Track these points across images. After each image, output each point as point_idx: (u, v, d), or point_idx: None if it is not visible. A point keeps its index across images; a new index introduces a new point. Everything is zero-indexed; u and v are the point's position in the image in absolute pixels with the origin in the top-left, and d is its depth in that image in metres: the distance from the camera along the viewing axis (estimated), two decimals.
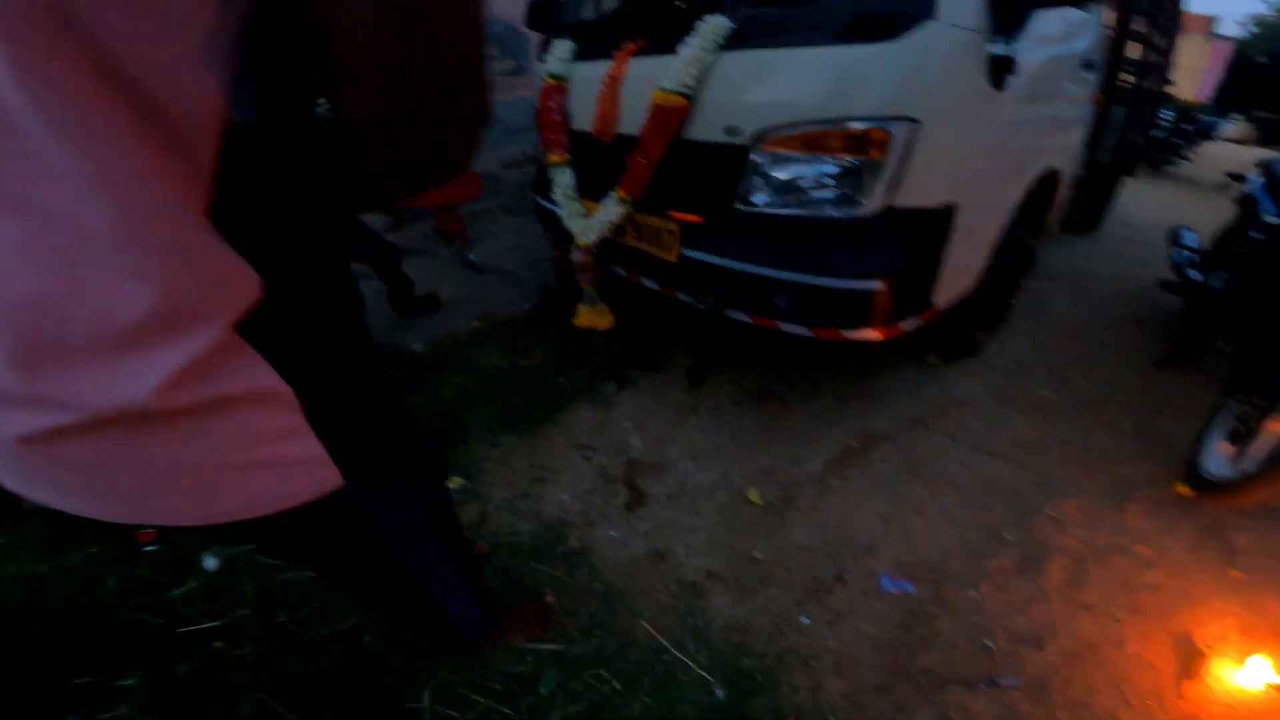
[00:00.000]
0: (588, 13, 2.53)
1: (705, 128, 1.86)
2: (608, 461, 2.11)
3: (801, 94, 1.70)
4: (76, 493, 0.60)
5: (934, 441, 2.25)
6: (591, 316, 2.37)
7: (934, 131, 1.66)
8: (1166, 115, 7.80)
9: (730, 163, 1.83)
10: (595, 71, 2.14)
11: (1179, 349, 2.90)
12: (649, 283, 2.22)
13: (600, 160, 2.15)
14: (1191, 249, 3.30)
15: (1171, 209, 6.26)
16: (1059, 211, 2.96)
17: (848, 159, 1.68)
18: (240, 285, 0.55)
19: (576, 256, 2.24)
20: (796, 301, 1.83)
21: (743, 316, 1.96)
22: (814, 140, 1.69)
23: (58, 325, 0.48)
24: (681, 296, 2.07)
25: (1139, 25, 3.45)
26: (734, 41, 1.81)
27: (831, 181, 1.72)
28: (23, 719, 1.32)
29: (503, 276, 3.44)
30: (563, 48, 2.32)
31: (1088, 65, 2.66)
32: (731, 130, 1.79)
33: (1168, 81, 4.92)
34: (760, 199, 1.82)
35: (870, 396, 2.47)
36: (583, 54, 2.29)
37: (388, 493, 0.89)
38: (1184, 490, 2.03)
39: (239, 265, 0.54)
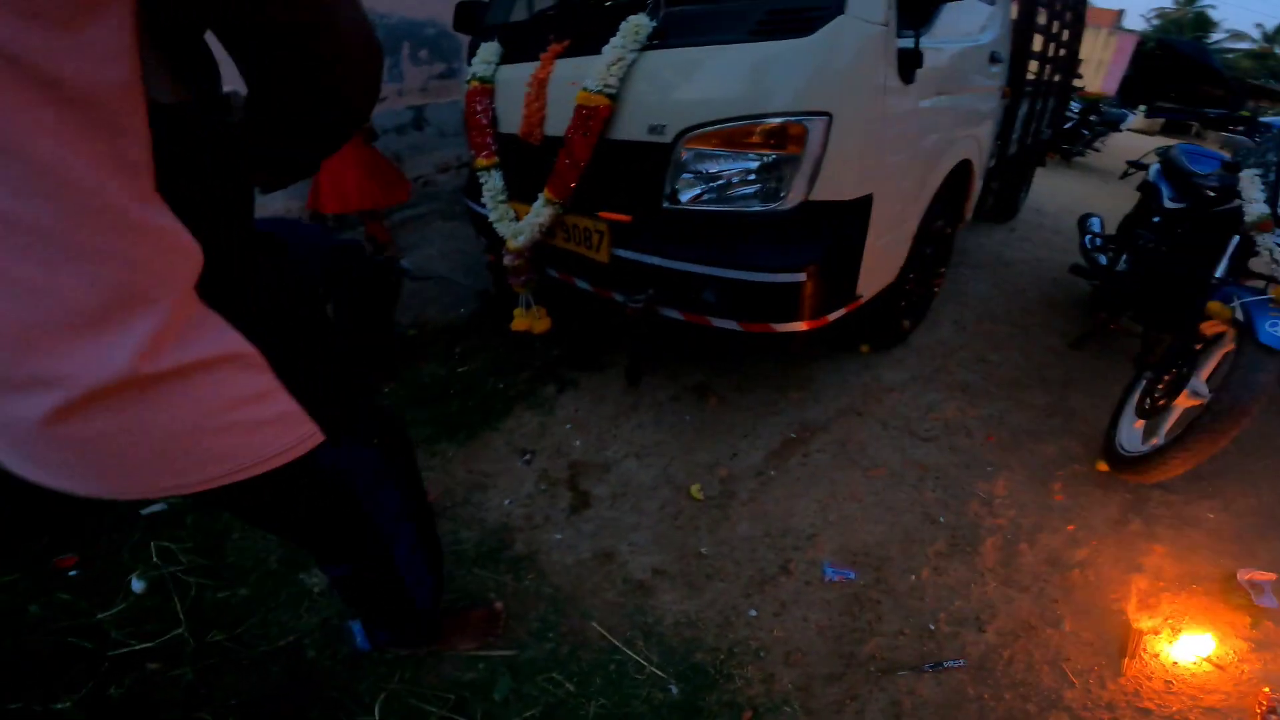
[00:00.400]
0: (514, 15, 2.51)
1: (630, 127, 1.87)
2: (549, 464, 2.10)
3: (721, 91, 1.73)
4: (80, 472, 0.64)
5: (867, 429, 2.32)
6: (527, 320, 2.35)
7: (847, 124, 1.72)
8: (1074, 108, 8.18)
9: (655, 161, 1.84)
10: (521, 74, 2.13)
11: (1091, 329, 3.06)
12: (582, 283, 2.22)
13: (529, 163, 2.14)
14: (1098, 235, 3.50)
15: (1082, 197, 6.59)
16: (974, 201, 3.08)
17: (767, 154, 1.72)
18: (190, 254, 0.61)
19: (508, 260, 2.22)
20: (725, 296, 1.86)
21: (675, 314, 1.98)
22: (734, 137, 1.72)
23: (34, 311, 0.53)
24: (615, 296, 2.08)
25: (1044, 19, 3.61)
26: (656, 40, 1.83)
27: (752, 177, 1.76)
28: None
29: (437, 282, 3.38)
30: (489, 50, 2.29)
31: (995, 59, 2.77)
32: (655, 129, 1.81)
33: (1075, 75, 5.15)
34: (685, 196, 1.84)
35: (805, 388, 2.53)
36: (509, 56, 2.27)
37: (353, 442, 0.93)
38: (1103, 467, 2.12)
39: (185, 235, 0.60)
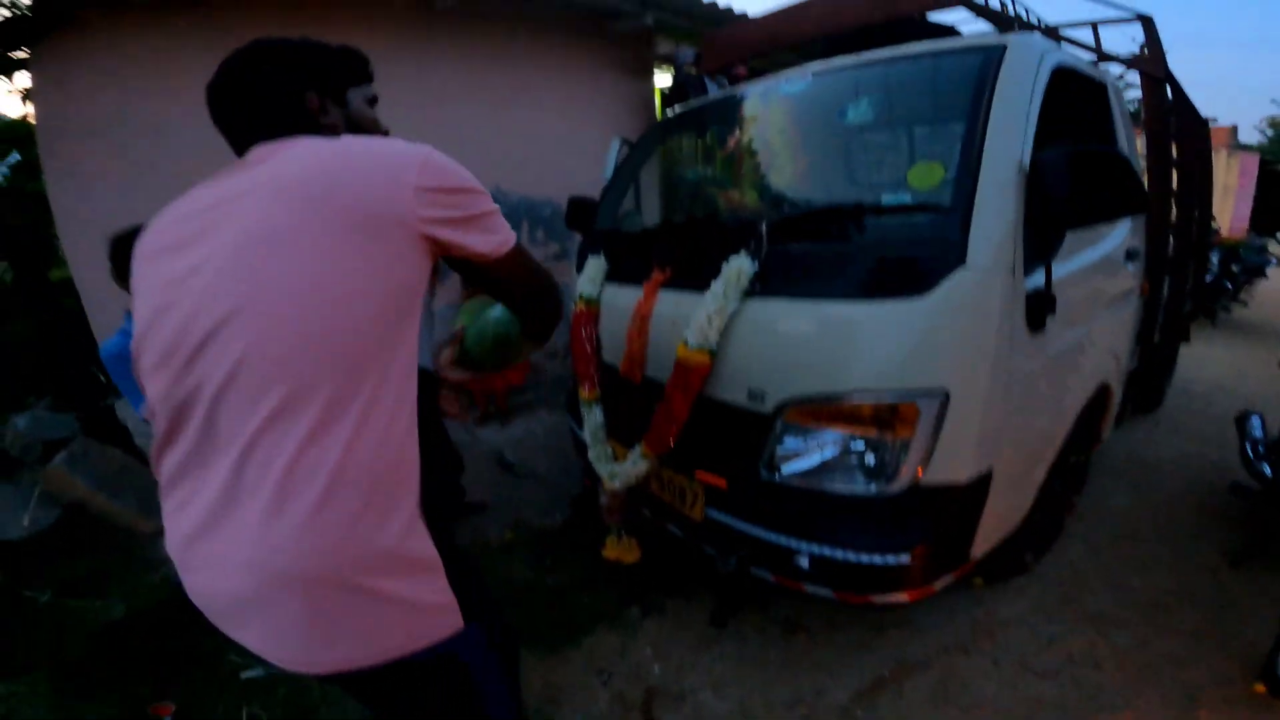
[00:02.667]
0: (620, 227, 2.62)
1: (729, 388, 1.82)
2: (626, 687, 2.04)
3: (825, 358, 1.66)
4: (295, 640, 0.80)
5: (974, 665, 2.08)
6: (618, 550, 2.30)
7: (966, 401, 1.59)
8: (1212, 258, 7.52)
9: (754, 428, 1.77)
10: (625, 300, 2.16)
11: (1255, 542, 2.64)
12: (674, 530, 2.15)
13: (629, 401, 2.13)
14: (1260, 440, 3.03)
15: (1235, 369, 5.88)
16: (1111, 419, 2.81)
17: (874, 435, 1.61)
18: (417, 469, 0.86)
19: (604, 499, 2.19)
20: (822, 568, 1.73)
21: (766, 575, 1.86)
22: (839, 414, 1.64)
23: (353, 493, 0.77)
24: (706, 550, 1.99)
25: (1175, 180, 3.36)
26: (758, 285, 1.79)
27: (858, 457, 1.65)
28: None
29: (536, 481, 3.43)
30: (595, 267, 2.37)
31: (1131, 256, 2.56)
32: (754, 395, 1.75)
33: (1210, 221, 4.73)
34: (784, 469, 1.75)
35: (906, 624, 2.30)
36: (614, 274, 2.33)
37: (477, 629, 0.97)
38: (1260, 689, 1.86)
39: (417, 459, 0.87)
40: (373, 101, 1.15)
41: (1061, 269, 1.86)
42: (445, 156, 0.90)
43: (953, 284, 1.53)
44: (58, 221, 3.60)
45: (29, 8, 3.66)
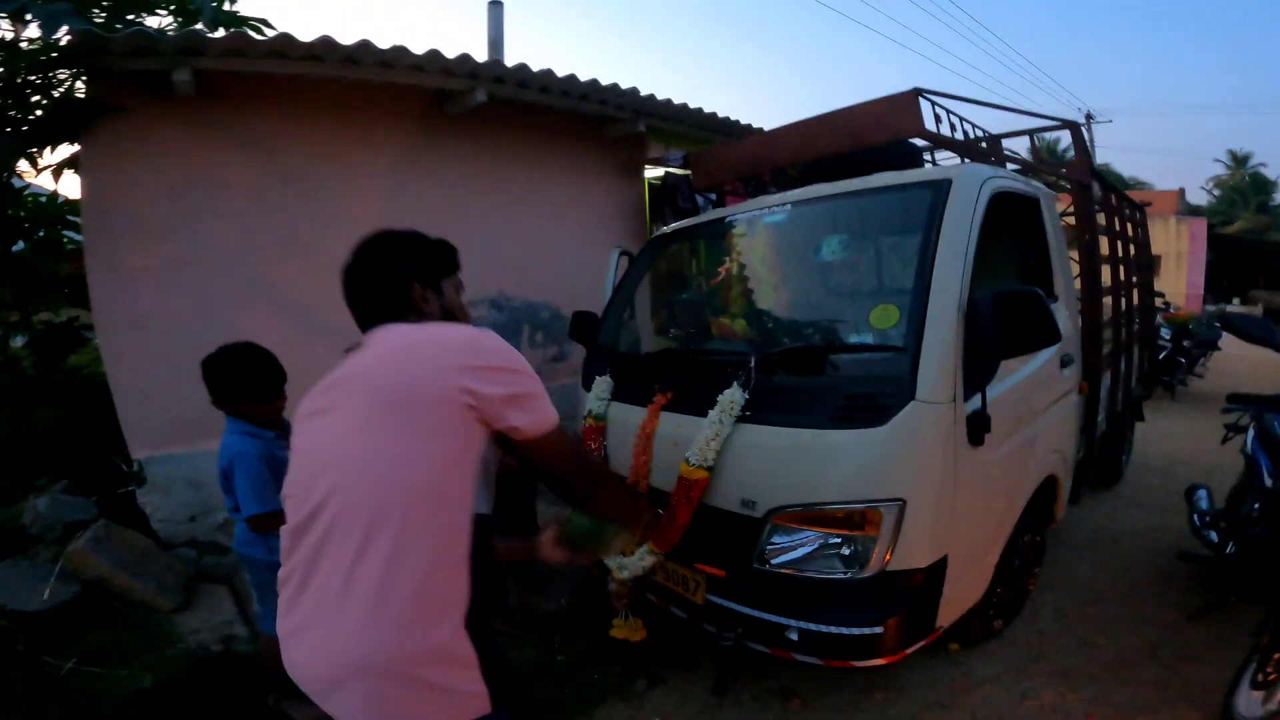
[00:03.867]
0: (620, 340, 2.95)
1: (725, 497, 2.17)
2: None
3: (805, 475, 2.03)
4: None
5: None
6: (625, 630, 2.58)
7: (920, 505, 1.94)
8: (1164, 334, 7.89)
9: (747, 529, 2.11)
10: (631, 417, 2.51)
11: (1211, 601, 2.90)
12: (678, 612, 2.44)
13: None
14: (1206, 511, 3.32)
15: (1191, 442, 6.17)
16: (1065, 501, 3.13)
17: (848, 533, 1.96)
18: (467, 591, 1.07)
19: (612, 586, 2.49)
20: (809, 640, 2.03)
21: (761, 648, 2.15)
22: (818, 518, 1.99)
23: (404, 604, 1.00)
24: (707, 628, 2.28)
25: (1108, 274, 3.62)
26: (748, 412, 2.15)
27: (835, 550, 2.00)
28: None
29: (544, 568, 3.62)
30: (602, 386, 2.72)
31: (1066, 362, 2.88)
32: (747, 503, 2.10)
33: (1153, 309, 4.97)
34: (774, 561, 2.08)
35: (890, 686, 2.55)
36: (619, 394, 2.67)
37: (505, 715, 1.14)
38: None
39: (466, 581, 1.07)
40: (459, 288, 1.38)
41: (997, 389, 2.22)
42: (497, 339, 1.09)
43: (905, 415, 1.92)
44: (95, 313, 3.75)
45: (79, 95, 3.90)
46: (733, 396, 2.17)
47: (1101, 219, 3.99)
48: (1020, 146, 4.82)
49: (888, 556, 1.95)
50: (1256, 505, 2.75)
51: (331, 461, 1.07)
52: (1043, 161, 3.88)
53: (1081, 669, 2.60)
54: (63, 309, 4.95)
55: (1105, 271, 3.70)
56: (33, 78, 3.93)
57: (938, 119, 3.01)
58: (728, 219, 3.03)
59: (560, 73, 4.67)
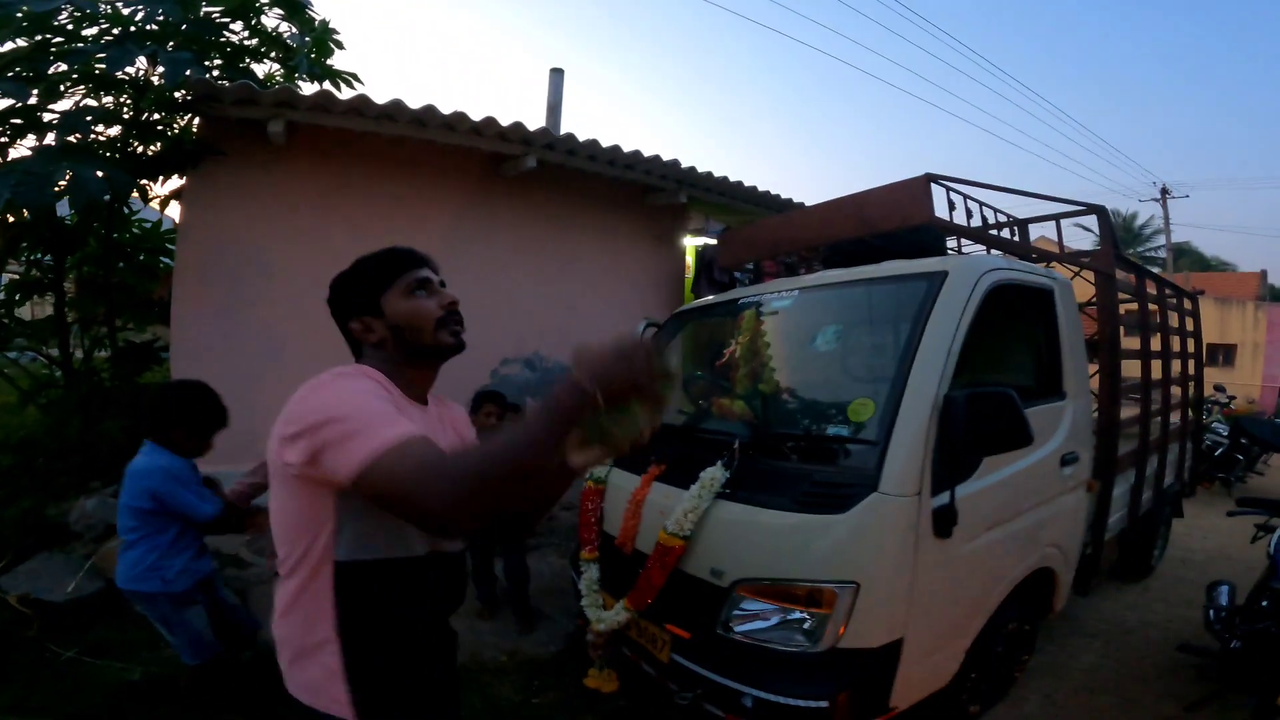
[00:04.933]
0: None
1: (697, 564, 2.32)
2: None
3: (769, 551, 2.16)
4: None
5: None
6: (598, 680, 2.74)
7: (874, 589, 2.04)
8: (1220, 430, 7.70)
9: (713, 596, 2.25)
10: (627, 483, 2.70)
11: (1210, 692, 2.85)
12: (647, 668, 2.57)
13: (620, 564, 2.64)
14: (1224, 608, 3.22)
15: (1239, 536, 5.59)
16: (1064, 594, 3.11)
17: (804, 609, 2.08)
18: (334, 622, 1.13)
19: (590, 637, 2.66)
20: (762, 708, 2.11)
21: (717, 711, 2.24)
22: (778, 591, 2.12)
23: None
24: (671, 685, 2.40)
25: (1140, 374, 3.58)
26: (728, 489, 2.31)
27: (792, 623, 2.11)
28: None
29: (536, 616, 3.78)
30: None
31: (1067, 461, 2.85)
32: (716, 573, 2.25)
33: (1203, 405, 4.85)
34: (735, 628, 2.21)
35: None
36: (621, 460, 2.83)
37: None
38: None
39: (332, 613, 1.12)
40: (421, 284, 1.25)
41: (976, 484, 2.31)
42: (310, 389, 1.05)
43: (865, 505, 2.05)
44: (173, 335, 4.16)
45: (194, 134, 4.41)
46: (714, 474, 2.34)
47: (1135, 309, 4.00)
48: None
49: (840, 632, 2.05)
50: (1264, 603, 2.72)
51: None
52: (1064, 250, 3.92)
53: None
54: (147, 328, 5.48)
55: (1136, 366, 3.68)
56: (155, 117, 4.49)
57: (951, 206, 3.12)
58: (740, 300, 3.20)
59: (610, 142, 5.03)
